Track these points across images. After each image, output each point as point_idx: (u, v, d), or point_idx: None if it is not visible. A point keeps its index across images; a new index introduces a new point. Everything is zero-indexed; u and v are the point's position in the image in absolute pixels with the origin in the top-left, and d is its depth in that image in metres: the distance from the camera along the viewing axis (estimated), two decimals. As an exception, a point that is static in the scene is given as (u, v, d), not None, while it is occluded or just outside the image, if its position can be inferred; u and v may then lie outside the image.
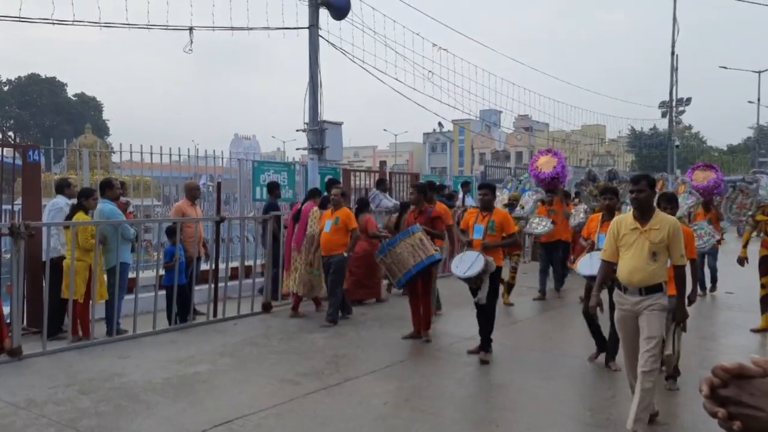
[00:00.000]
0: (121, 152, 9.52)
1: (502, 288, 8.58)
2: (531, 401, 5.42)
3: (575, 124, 25.37)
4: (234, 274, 9.38)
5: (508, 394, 5.68)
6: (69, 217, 7.22)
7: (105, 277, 7.38)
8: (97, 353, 6.65)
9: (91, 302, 7.12)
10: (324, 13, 11.44)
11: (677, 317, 4.82)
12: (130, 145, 9.23)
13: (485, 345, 6.58)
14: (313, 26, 11.32)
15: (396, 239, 7.26)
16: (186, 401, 5.26)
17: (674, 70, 26.80)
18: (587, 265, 6.23)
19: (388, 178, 12.95)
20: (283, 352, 6.83)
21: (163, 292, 7.93)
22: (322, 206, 8.71)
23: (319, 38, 11.42)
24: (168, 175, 12.29)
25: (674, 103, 28.16)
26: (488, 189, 6.94)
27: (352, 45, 12.44)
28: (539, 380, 5.93)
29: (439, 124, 53.45)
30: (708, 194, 10.43)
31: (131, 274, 7.97)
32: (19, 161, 7.89)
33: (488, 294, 6.49)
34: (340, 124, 11.90)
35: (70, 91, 63.25)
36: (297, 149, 12.55)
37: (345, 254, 8.16)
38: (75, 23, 9.43)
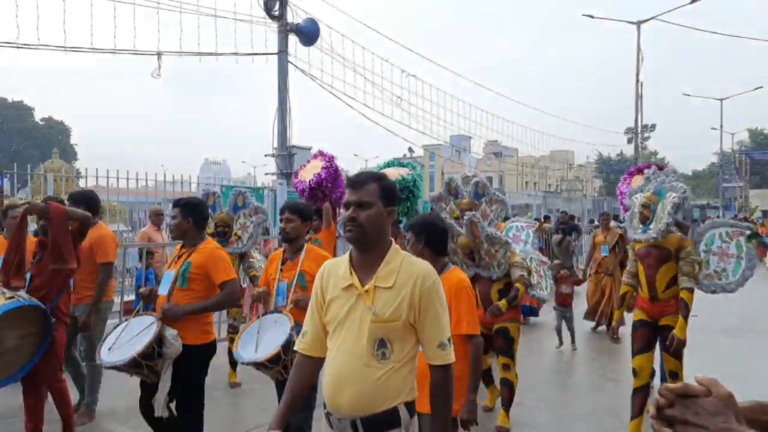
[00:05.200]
0: (87, 177, 9.41)
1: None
2: None
3: (544, 149, 25.86)
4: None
5: None
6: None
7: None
8: (58, 382, 6.47)
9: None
10: (293, 39, 11.54)
11: None
12: (96, 169, 9.13)
13: None
14: (283, 52, 11.39)
15: None
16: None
17: (639, 97, 27.50)
18: (250, 343, 3.76)
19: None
20: (252, 380, 6.73)
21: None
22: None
23: (289, 64, 11.49)
24: (135, 200, 12.16)
25: (639, 130, 28.86)
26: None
27: (321, 71, 12.55)
28: None
29: (410, 149, 53.90)
30: None
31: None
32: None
33: (183, 397, 3.75)
34: (308, 148, 11.94)
35: (38, 116, 62.43)
36: (266, 174, 12.57)
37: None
38: (40, 47, 9.36)
